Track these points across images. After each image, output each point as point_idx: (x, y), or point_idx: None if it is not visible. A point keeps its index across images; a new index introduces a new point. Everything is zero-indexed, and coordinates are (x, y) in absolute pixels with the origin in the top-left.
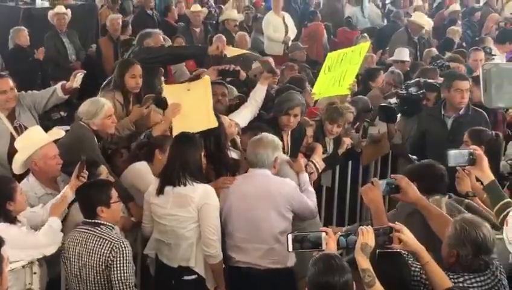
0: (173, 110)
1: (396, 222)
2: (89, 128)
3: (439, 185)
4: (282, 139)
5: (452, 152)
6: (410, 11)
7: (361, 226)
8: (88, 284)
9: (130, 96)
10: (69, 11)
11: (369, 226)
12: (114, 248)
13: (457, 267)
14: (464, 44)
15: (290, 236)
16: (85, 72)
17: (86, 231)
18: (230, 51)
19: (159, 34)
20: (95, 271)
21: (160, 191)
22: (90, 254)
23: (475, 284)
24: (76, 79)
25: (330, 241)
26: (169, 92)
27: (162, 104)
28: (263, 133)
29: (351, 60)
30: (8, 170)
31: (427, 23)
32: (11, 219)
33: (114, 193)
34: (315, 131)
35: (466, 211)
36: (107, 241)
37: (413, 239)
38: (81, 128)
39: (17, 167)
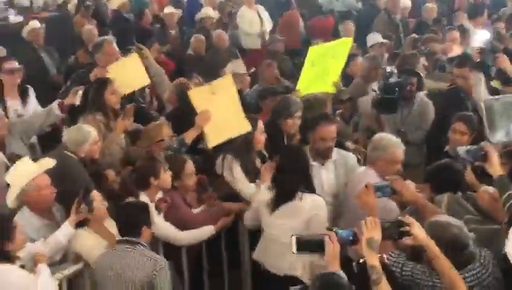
0: (203, 117)
1: (406, 215)
2: (75, 157)
3: (452, 185)
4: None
5: (462, 149)
6: None
7: (366, 219)
8: None
9: (110, 113)
10: (43, 25)
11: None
12: (158, 266)
13: None
14: (443, 19)
15: (294, 238)
16: (84, 87)
17: (127, 249)
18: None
19: (109, 43)
20: (134, 288)
21: (274, 208)
22: (133, 272)
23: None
24: (78, 95)
25: (330, 245)
26: (195, 97)
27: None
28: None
29: (334, 55)
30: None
31: None
32: (10, 259)
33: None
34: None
35: (471, 208)
36: (151, 260)
37: (422, 233)
38: (67, 159)
39: (11, 201)
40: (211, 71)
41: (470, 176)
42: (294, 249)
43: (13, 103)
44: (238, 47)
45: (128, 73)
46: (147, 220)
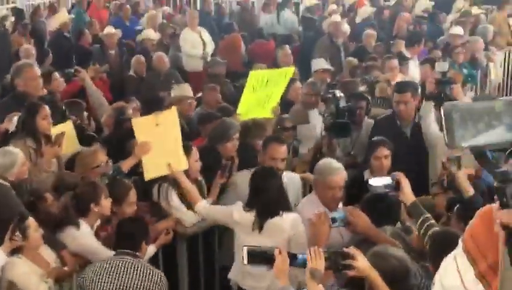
0: (142, 148)
1: (351, 247)
2: (5, 183)
3: (389, 218)
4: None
5: (374, 180)
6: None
7: (310, 249)
8: None
9: (41, 138)
10: None
11: (319, 249)
12: (162, 277)
13: None
14: (381, 46)
15: (245, 249)
16: (19, 113)
17: (130, 260)
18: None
19: (30, 67)
20: None
21: (260, 227)
22: (140, 281)
23: None
24: (13, 122)
25: (279, 260)
26: (137, 126)
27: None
28: None
29: (276, 83)
30: None
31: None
32: None
33: None
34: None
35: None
36: (155, 271)
37: (366, 265)
38: None
39: None
40: (150, 93)
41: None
42: (245, 261)
43: None
44: (179, 69)
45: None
46: (146, 235)
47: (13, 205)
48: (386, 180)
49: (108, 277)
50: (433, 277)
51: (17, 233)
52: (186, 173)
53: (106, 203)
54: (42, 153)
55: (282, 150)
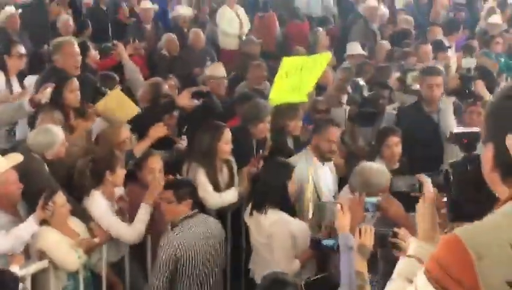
0: (156, 130)
1: (402, 228)
2: (40, 159)
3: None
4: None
5: (397, 180)
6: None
7: (361, 226)
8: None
9: (70, 111)
10: (19, 11)
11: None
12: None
13: None
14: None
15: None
16: (53, 84)
17: (204, 217)
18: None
19: (70, 44)
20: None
21: (250, 213)
22: (217, 230)
23: None
24: (45, 93)
25: (341, 215)
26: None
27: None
28: None
29: (311, 69)
30: None
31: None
32: None
33: None
34: (273, 135)
35: None
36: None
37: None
38: (32, 161)
39: None
40: (185, 70)
41: None
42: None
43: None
44: (215, 45)
45: (118, 106)
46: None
47: (45, 179)
48: (409, 181)
49: (204, 232)
50: None
51: (50, 203)
52: (217, 153)
53: (121, 173)
54: (71, 127)
55: (337, 134)
